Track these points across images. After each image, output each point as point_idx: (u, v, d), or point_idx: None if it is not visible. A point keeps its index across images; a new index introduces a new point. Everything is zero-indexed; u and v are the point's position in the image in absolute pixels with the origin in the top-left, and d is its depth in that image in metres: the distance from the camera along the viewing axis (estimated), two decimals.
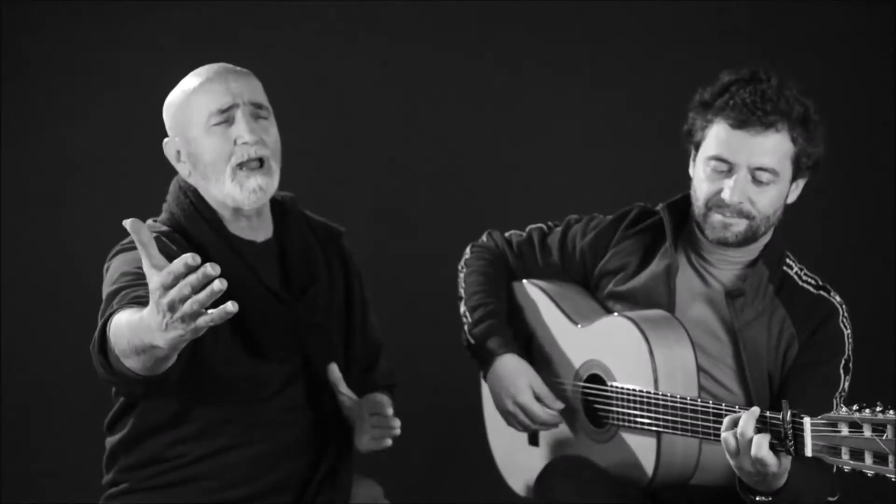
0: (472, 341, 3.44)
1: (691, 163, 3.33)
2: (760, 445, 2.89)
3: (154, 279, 2.46)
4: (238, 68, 3.10)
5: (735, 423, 2.93)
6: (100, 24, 4.32)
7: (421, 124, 4.51)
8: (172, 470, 3.07)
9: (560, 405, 3.36)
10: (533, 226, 3.56)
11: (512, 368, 3.38)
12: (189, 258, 2.41)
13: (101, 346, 2.75)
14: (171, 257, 2.93)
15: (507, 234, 3.57)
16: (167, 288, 2.44)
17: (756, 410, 2.92)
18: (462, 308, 3.50)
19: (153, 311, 2.48)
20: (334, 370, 3.14)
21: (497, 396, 3.40)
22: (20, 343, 4.33)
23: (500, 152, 4.52)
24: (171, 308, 2.45)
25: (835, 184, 4.19)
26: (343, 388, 3.15)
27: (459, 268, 3.57)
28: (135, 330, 2.60)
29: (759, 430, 2.90)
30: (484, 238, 3.59)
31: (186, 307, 2.43)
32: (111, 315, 2.74)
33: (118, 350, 2.68)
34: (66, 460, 4.30)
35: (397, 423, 3.13)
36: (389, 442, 3.14)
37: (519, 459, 3.52)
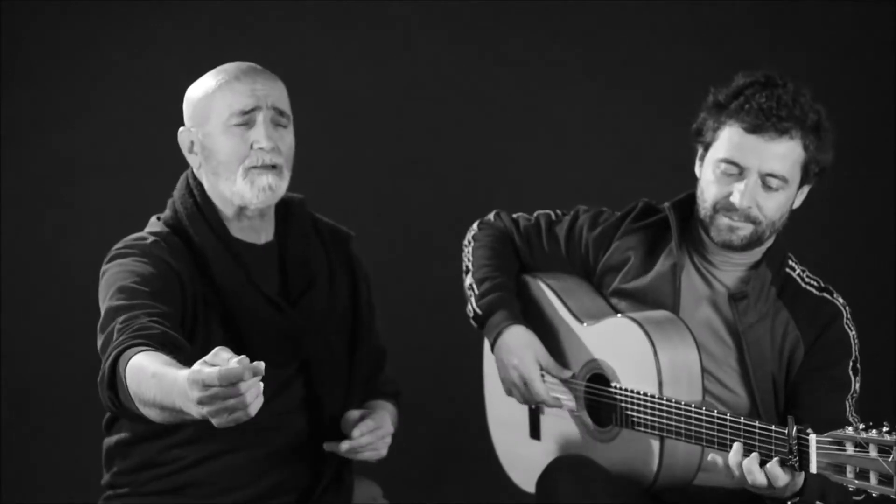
0: (480, 312, 3.42)
1: (698, 162, 3.30)
2: (777, 477, 2.92)
3: (205, 374, 2.42)
4: (266, 71, 3.08)
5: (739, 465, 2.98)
6: (100, 25, 4.30)
7: (428, 126, 4.49)
8: (168, 475, 3.07)
9: (568, 374, 3.35)
10: (541, 211, 3.54)
11: (520, 340, 3.37)
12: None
13: (110, 382, 2.72)
14: (163, 262, 2.96)
15: (514, 216, 3.56)
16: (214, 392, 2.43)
17: (739, 449, 2.97)
18: (468, 280, 3.48)
19: (188, 384, 2.45)
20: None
21: (502, 367, 3.39)
22: (20, 343, 4.32)
23: (507, 154, 4.51)
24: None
25: (835, 184, 4.16)
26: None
27: (466, 242, 3.55)
28: (166, 391, 2.55)
29: (763, 454, 2.93)
30: (491, 217, 3.57)
31: (229, 405, 2.43)
32: (122, 351, 2.71)
33: (138, 399, 2.64)
34: (66, 460, 4.31)
35: (383, 443, 3.13)
36: (372, 456, 3.14)
37: (520, 452, 3.52)
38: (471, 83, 4.48)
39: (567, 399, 3.37)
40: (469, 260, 3.52)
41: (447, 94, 4.48)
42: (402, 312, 4.27)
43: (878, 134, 4.37)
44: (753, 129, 3.17)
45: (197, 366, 2.42)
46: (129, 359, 2.66)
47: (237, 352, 2.97)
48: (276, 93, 3.04)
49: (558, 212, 3.53)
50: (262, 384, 2.41)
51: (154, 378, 2.59)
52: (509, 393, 3.41)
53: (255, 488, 3.09)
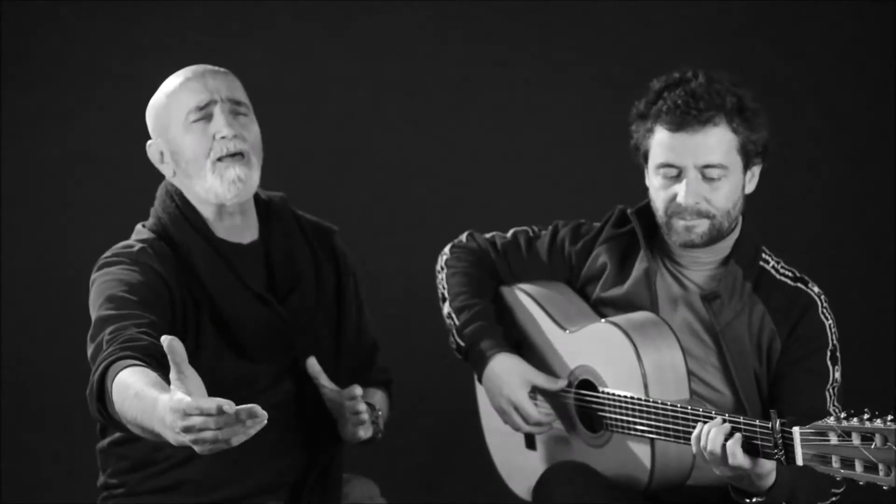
0: (463, 344, 3.43)
1: (646, 175, 3.33)
2: (735, 454, 2.93)
3: (183, 405, 2.44)
4: (216, 68, 3.13)
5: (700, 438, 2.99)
6: (99, 24, 4.32)
7: (415, 125, 4.48)
8: (161, 473, 3.10)
9: (562, 383, 3.36)
10: (517, 228, 3.54)
11: (505, 367, 3.37)
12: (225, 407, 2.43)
13: (99, 394, 2.75)
14: (151, 268, 3.01)
15: (488, 236, 3.55)
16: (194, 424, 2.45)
17: (721, 424, 2.99)
18: (447, 309, 3.48)
19: (168, 412, 2.48)
20: (313, 364, 3.14)
21: (492, 396, 3.40)
22: (20, 343, 4.33)
23: (495, 152, 4.50)
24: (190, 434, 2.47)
25: (835, 184, 4.17)
26: (324, 380, 3.15)
27: (439, 268, 3.54)
28: (146, 413, 2.58)
29: (727, 437, 2.95)
30: (464, 238, 3.56)
31: (208, 437, 2.45)
32: (111, 363, 2.74)
33: (122, 415, 2.68)
34: (66, 460, 4.30)
35: (362, 407, 3.12)
36: (367, 432, 3.14)
37: (517, 462, 3.53)
38: (467, 82, 4.48)
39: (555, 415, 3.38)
40: (444, 287, 3.51)
41: (444, 92, 4.48)
42: (398, 309, 4.28)
43: (878, 134, 4.35)
44: (677, 127, 3.21)
45: (179, 394, 2.46)
46: (117, 373, 2.70)
47: (231, 350, 3.05)
48: (228, 85, 3.10)
49: (535, 228, 3.54)
50: (254, 427, 2.44)
51: (136, 398, 2.62)
52: (505, 422, 3.41)
53: (246, 483, 3.11)
